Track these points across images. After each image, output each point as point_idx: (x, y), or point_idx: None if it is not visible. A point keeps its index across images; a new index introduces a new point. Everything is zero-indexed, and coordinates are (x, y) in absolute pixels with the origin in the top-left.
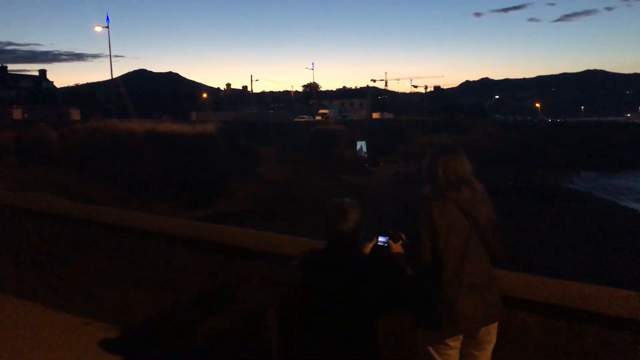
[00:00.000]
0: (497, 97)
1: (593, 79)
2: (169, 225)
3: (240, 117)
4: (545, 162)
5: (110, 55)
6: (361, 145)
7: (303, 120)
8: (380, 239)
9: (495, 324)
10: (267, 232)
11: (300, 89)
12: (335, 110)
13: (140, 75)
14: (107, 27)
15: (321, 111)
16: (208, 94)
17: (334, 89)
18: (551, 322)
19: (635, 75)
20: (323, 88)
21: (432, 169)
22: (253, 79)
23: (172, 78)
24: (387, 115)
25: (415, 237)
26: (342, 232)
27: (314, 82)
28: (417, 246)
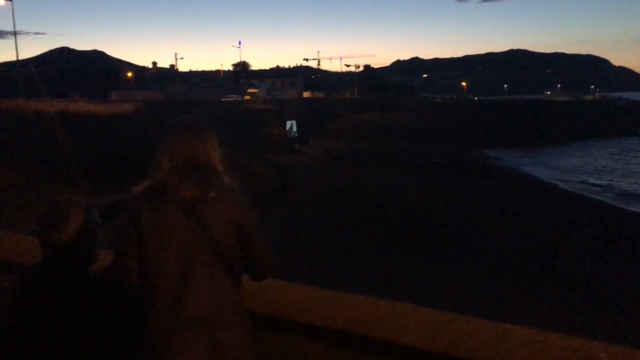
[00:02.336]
0: (425, 75)
1: (517, 58)
2: None
3: (168, 97)
4: (470, 139)
5: (14, 32)
6: (291, 124)
7: (231, 99)
8: None
9: None
10: None
11: (231, 68)
12: (264, 90)
13: (64, 54)
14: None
15: (250, 90)
16: (134, 73)
17: (267, 68)
18: (337, 351)
19: (556, 54)
20: (256, 67)
21: (157, 156)
22: (178, 57)
23: (97, 56)
24: (318, 94)
25: (117, 253)
26: (57, 242)
27: (244, 61)
28: (119, 266)
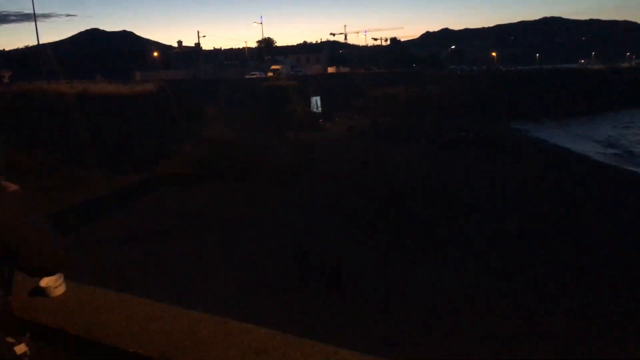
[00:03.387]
0: (453, 47)
1: (550, 26)
2: None
3: (194, 75)
4: (498, 111)
5: (34, 15)
6: (315, 100)
7: (254, 76)
8: None
9: None
10: None
11: (256, 45)
12: (287, 66)
13: (94, 35)
14: None
15: (273, 67)
16: (160, 52)
17: (295, 44)
18: None
19: (591, 21)
20: (282, 43)
21: None
22: (200, 35)
23: (126, 37)
24: (344, 69)
25: None
26: None
27: (269, 38)
28: None
